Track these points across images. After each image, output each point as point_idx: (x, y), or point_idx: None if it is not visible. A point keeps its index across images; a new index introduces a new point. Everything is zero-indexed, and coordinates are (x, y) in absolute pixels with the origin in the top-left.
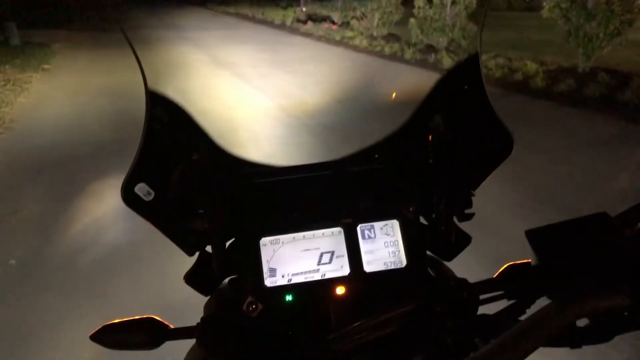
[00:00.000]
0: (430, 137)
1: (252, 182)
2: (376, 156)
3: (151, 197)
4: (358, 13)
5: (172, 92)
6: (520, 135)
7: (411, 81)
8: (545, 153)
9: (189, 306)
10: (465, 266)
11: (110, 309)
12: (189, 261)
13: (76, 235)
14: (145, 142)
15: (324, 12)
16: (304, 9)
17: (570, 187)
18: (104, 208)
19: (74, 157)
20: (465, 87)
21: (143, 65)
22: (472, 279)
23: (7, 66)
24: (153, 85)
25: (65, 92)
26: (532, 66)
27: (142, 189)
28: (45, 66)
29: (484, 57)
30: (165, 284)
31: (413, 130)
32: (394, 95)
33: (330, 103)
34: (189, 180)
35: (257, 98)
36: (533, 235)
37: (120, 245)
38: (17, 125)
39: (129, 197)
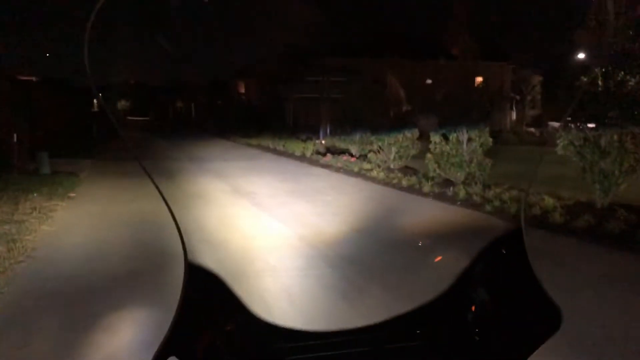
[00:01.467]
0: (473, 309)
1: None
2: (417, 332)
3: None
4: (375, 147)
5: (187, 223)
6: (541, 271)
7: (429, 213)
8: (569, 291)
9: None
10: None
11: None
12: None
13: None
14: (181, 314)
15: (342, 145)
16: (323, 142)
17: (599, 330)
18: (116, 343)
19: (89, 288)
20: (509, 260)
21: (172, 205)
22: None
23: (36, 194)
24: (176, 210)
25: (88, 220)
26: (549, 201)
27: None
28: (71, 194)
29: (497, 190)
30: None
31: (454, 301)
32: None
33: (349, 233)
34: (222, 353)
35: (276, 227)
36: None
37: None
38: (38, 253)
39: None
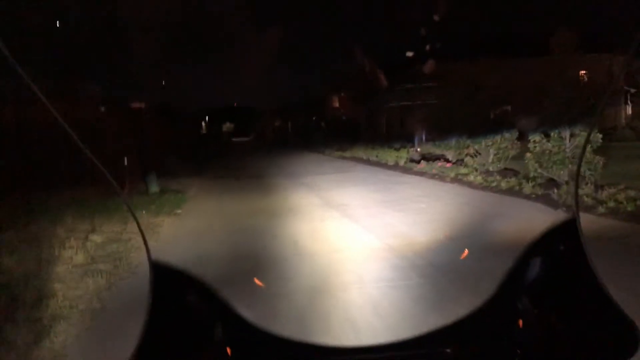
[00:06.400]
0: (520, 323)
1: None
2: (448, 350)
3: None
4: (472, 150)
5: (280, 237)
6: None
7: (528, 217)
8: None
9: None
10: None
11: None
12: None
13: None
14: (151, 321)
15: (437, 151)
16: (418, 150)
17: None
18: None
19: None
20: (564, 260)
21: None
22: None
23: (144, 212)
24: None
25: (191, 236)
26: None
27: None
28: (177, 211)
29: (611, 190)
30: None
31: (496, 313)
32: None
33: (442, 241)
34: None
35: (365, 239)
36: None
37: None
38: (141, 269)
39: None
